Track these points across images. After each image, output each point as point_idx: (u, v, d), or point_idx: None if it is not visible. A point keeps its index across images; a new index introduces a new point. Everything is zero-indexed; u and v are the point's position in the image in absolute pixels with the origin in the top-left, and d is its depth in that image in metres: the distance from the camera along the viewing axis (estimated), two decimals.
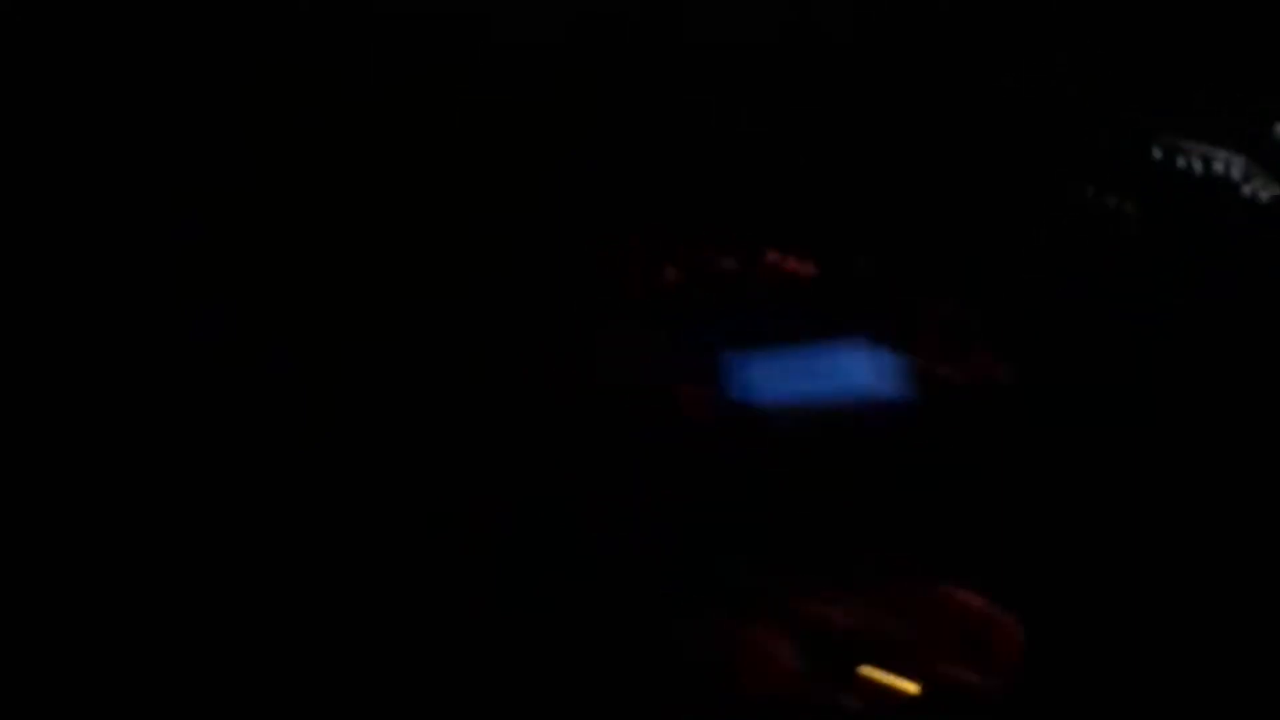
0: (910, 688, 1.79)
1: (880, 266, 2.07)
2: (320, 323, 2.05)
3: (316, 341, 2.04)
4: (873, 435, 1.94)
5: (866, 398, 1.96)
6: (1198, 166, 2.08)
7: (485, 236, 2.07)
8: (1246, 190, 2.05)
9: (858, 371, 1.98)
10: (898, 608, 1.81)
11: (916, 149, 2.16)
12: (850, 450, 1.93)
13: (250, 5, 2.09)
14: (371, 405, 2.00)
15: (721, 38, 2.17)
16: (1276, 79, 2.13)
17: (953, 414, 1.96)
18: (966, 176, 2.15)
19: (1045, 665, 1.81)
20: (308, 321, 2.05)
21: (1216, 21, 2.16)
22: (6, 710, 1.77)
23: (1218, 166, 2.08)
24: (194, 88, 2.07)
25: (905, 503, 1.90)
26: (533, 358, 1.98)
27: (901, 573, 1.85)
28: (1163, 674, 1.81)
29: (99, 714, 1.79)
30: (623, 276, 2.05)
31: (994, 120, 2.17)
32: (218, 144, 2.08)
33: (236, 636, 1.85)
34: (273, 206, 2.08)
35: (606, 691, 1.83)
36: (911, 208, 2.13)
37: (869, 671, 1.80)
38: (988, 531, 1.89)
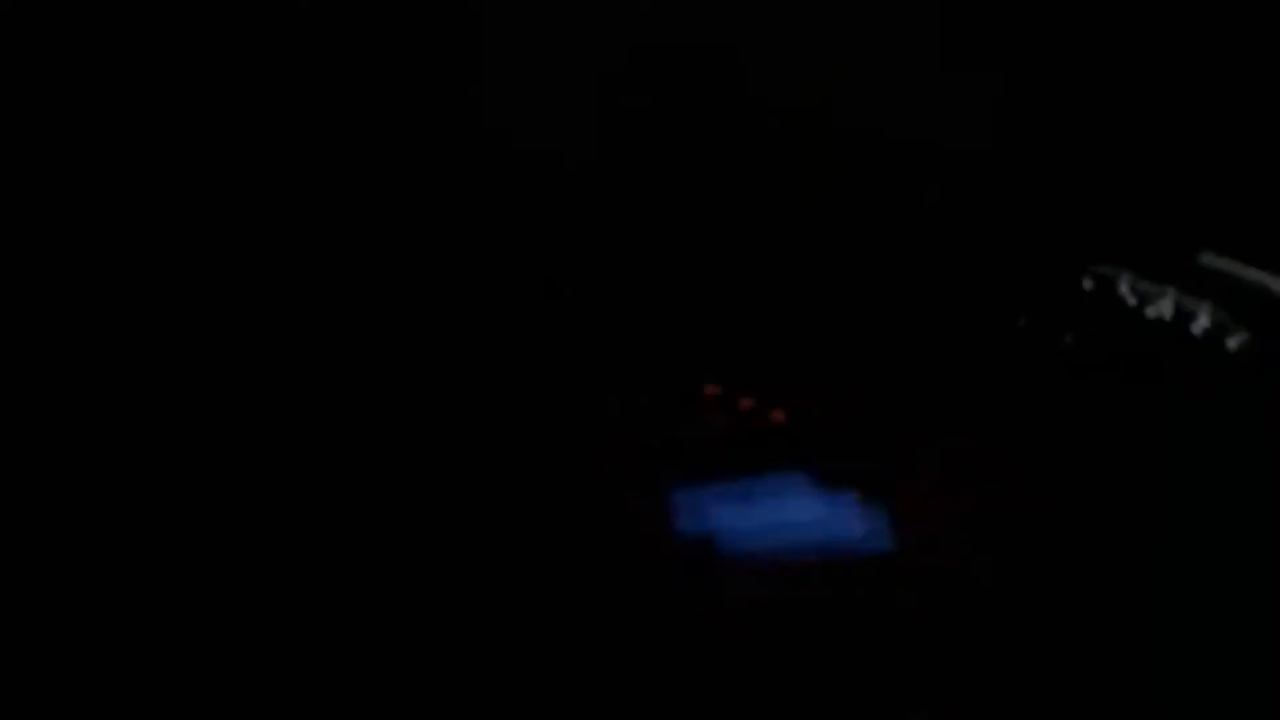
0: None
1: (849, 410, 2.09)
2: (318, 326, 2.06)
3: (315, 344, 2.05)
4: (846, 583, 1.94)
5: (838, 542, 1.96)
6: (1163, 310, 2.10)
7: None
8: (1211, 335, 2.07)
9: (831, 515, 1.99)
10: None
11: (883, 292, 2.19)
12: (822, 597, 1.94)
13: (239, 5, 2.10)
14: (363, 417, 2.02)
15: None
16: (1242, 222, 2.17)
17: (922, 560, 1.97)
18: (935, 317, 2.17)
19: None
20: (306, 325, 2.06)
21: (1182, 164, 2.19)
22: (6, 710, 1.77)
23: (1182, 309, 2.10)
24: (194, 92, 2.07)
25: (872, 651, 1.91)
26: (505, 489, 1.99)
27: (864, 711, 1.86)
28: None
29: (99, 714, 1.80)
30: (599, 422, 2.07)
31: (962, 259, 2.19)
32: (215, 148, 2.08)
33: (236, 637, 1.86)
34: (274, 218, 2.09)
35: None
36: (880, 351, 2.15)
37: None
38: (957, 672, 1.90)
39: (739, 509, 1.99)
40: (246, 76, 2.06)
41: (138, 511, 1.92)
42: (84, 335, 1.98)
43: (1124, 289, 2.11)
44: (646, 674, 1.87)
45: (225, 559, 1.90)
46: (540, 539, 1.96)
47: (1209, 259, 2.12)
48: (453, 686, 1.86)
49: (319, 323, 2.07)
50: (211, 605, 1.88)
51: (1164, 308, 2.09)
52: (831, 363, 2.13)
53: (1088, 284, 2.11)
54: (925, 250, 2.19)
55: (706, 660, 1.89)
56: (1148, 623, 1.91)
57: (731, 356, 2.13)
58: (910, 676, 1.88)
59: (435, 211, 2.14)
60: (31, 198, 2.01)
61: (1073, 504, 1.99)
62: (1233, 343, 2.08)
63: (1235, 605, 1.91)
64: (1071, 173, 2.21)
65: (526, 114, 2.17)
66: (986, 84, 2.20)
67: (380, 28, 2.12)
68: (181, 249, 2.04)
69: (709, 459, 2.04)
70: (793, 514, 1.99)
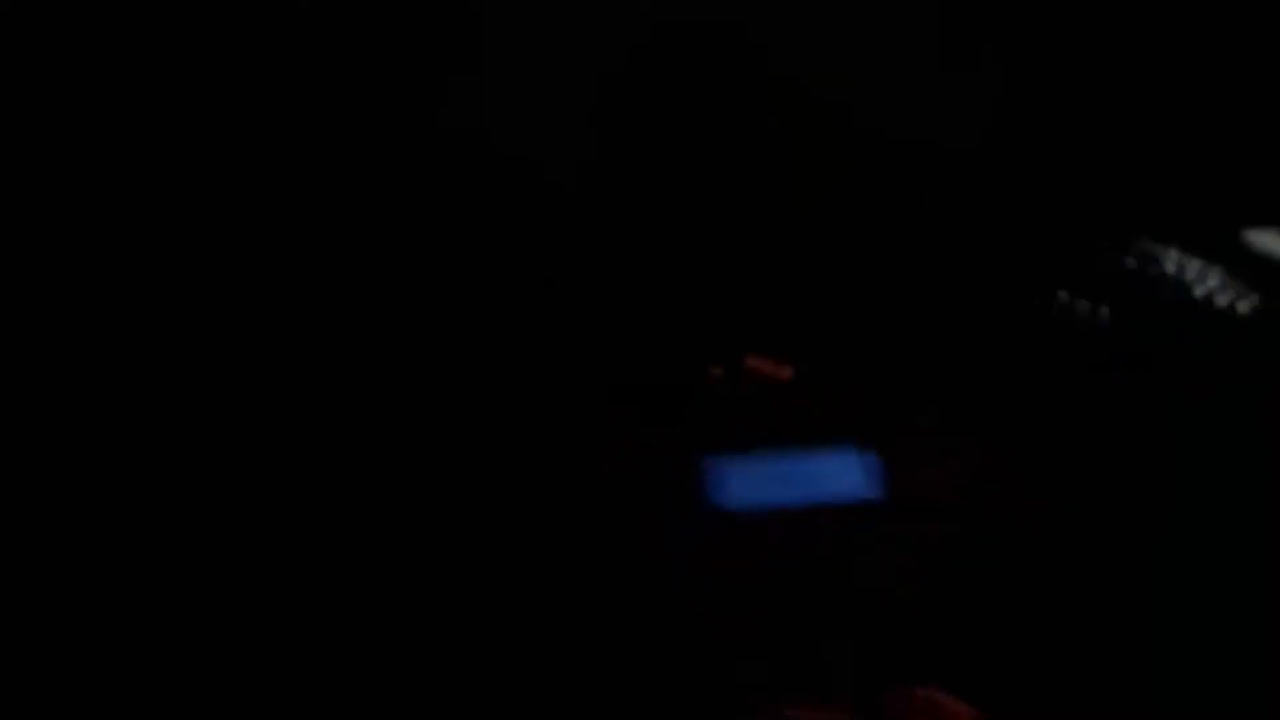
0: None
1: (859, 371, 2.08)
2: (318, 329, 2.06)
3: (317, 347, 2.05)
4: (852, 539, 1.94)
5: (848, 503, 1.95)
6: (1173, 276, 2.08)
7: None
8: (1223, 300, 2.05)
9: (840, 476, 1.97)
10: (870, 712, 1.82)
11: (895, 255, 2.18)
12: (829, 555, 1.93)
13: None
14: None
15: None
16: (1251, 186, 2.15)
17: (931, 519, 1.97)
18: (943, 282, 2.16)
19: None
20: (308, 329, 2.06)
21: (1191, 129, 2.17)
22: (6, 710, 1.78)
23: (1193, 276, 2.08)
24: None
25: (883, 608, 1.91)
26: (510, 462, 1.99)
27: (881, 678, 1.85)
28: None
29: (99, 714, 1.81)
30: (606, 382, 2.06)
31: (971, 226, 2.18)
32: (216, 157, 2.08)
33: (236, 637, 1.87)
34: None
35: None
36: (889, 313, 2.14)
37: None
38: (968, 636, 1.90)
39: (749, 467, 1.98)
40: (242, 77, 2.06)
41: (138, 511, 1.93)
42: (76, 334, 1.99)
43: (1170, 265, 2.10)
44: (650, 647, 1.88)
45: (224, 559, 1.91)
46: (549, 511, 1.96)
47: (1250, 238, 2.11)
48: (461, 669, 1.87)
49: (317, 316, 2.08)
50: (211, 605, 1.89)
51: (1202, 286, 2.08)
52: (831, 328, 2.13)
53: (1129, 262, 2.09)
54: (934, 242, 2.19)
55: (714, 631, 1.89)
56: (1154, 615, 1.91)
57: (742, 339, 2.13)
58: (914, 659, 1.89)
59: (438, 205, 2.15)
60: (30, 198, 2.01)
61: (1085, 494, 1.99)
62: (1243, 307, 2.06)
63: (1240, 598, 1.90)
64: (1080, 163, 2.20)
65: (528, 107, 2.17)
66: (987, 82, 2.19)
67: (379, 24, 2.12)
68: (181, 249, 2.05)
69: (725, 433, 2.04)
70: (801, 470, 1.99)
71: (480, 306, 2.10)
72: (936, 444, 2.02)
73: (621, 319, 2.11)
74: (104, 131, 2.04)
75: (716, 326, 2.12)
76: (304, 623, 1.88)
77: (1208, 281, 2.07)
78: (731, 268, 2.16)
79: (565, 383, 2.05)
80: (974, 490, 1.99)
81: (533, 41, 2.15)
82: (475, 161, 2.14)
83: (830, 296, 2.16)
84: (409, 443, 1.99)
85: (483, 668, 1.86)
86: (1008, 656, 1.88)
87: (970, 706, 1.79)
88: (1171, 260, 2.09)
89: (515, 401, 2.03)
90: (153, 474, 1.95)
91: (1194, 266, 2.09)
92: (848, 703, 1.83)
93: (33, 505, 1.90)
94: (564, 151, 2.16)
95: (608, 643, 1.88)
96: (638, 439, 2.00)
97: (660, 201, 2.17)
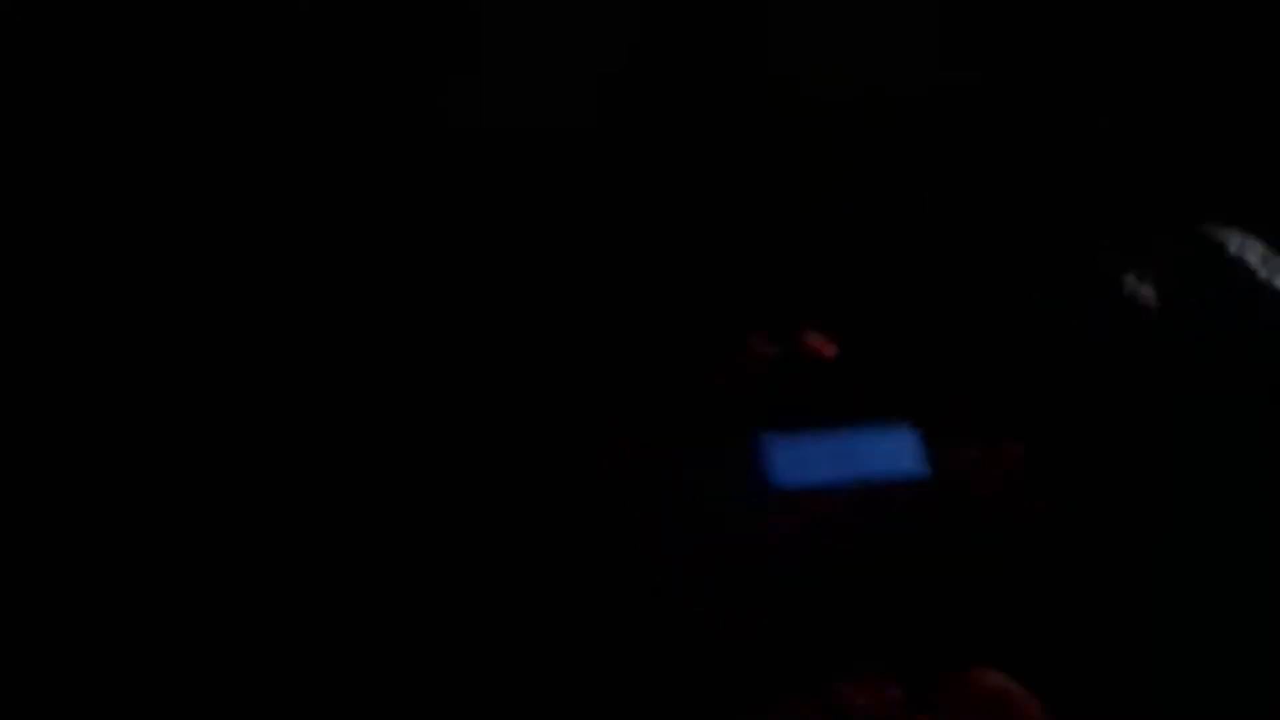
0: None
1: (906, 350, 2.08)
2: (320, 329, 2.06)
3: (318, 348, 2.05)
4: (900, 518, 1.94)
5: (895, 480, 1.96)
6: (1215, 250, 2.07)
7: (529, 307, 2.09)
8: (1263, 274, 2.04)
9: (888, 454, 1.97)
10: (921, 690, 1.82)
11: (940, 234, 2.18)
12: (878, 532, 1.94)
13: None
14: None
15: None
16: None
17: (976, 497, 1.97)
18: (988, 259, 2.16)
19: None
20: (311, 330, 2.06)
21: (1230, 110, 2.18)
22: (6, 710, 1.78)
23: (1233, 249, 2.06)
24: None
25: (928, 585, 1.91)
26: (561, 444, 1.99)
27: (925, 655, 1.85)
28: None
29: (99, 714, 1.80)
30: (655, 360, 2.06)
31: (1016, 205, 2.19)
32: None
33: (236, 637, 1.86)
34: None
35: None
36: (934, 292, 2.15)
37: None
38: (1010, 612, 1.89)
39: (799, 445, 1.98)
40: (243, 77, 2.06)
41: (138, 511, 1.93)
42: (75, 334, 1.99)
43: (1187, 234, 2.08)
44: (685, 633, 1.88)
45: (225, 559, 1.90)
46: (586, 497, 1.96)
47: None
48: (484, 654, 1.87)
49: (317, 313, 2.07)
50: (211, 605, 1.88)
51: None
52: (880, 307, 2.13)
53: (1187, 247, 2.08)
54: (986, 225, 2.19)
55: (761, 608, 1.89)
56: (1203, 598, 1.90)
57: (787, 300, 2.13)
58: (963, 637, 1.88)
59: (442, 202, 2.15)
60: (29, 197, 2.01)
61: (1132, 475, 1.98)
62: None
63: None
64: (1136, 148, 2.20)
65: (530, 104, 2.17)
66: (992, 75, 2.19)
67: (379, 24, 2.12)
68: (181, 247, 2.05)
69: (775, 412, 2.03)
70: (850, 448, 1.98)
71: (517, 296, 2.10)
72: (984, 422, 2.02)
73: (667, 303, 2.11)
74: (104, 131, 2.04)
75: (767, 306, 2.12)
76: (306, 621, 1.88)
77: (1249, 255, 2.05)
78: (781, 249, 2.17)
79: (611, 364, 2.05)
80: (1020, 469, 2.00)
81: (533, 41, 2.15)
82: (478, 160, 2.14)
83: (881, 276, 2.16)
84: (433, 434, 1.99)
85: (525, 655, 1.87)
86: (1054, 635, 1.88)
87: (1028, 690, 1.78)
88: (1235, 244, 2.08)
89: (559, 380, 2.04)
90: (153, 474, 1.94)
91: (1235, 239, 2.07)
92: (898, 680, 1.83)
93: (32, 505, 1.89)
94: (570, 148, 2.16)
95: (650, 624, 1.88)
96: (688, 420, 2.00)
97: (696, 182, 2.18)
